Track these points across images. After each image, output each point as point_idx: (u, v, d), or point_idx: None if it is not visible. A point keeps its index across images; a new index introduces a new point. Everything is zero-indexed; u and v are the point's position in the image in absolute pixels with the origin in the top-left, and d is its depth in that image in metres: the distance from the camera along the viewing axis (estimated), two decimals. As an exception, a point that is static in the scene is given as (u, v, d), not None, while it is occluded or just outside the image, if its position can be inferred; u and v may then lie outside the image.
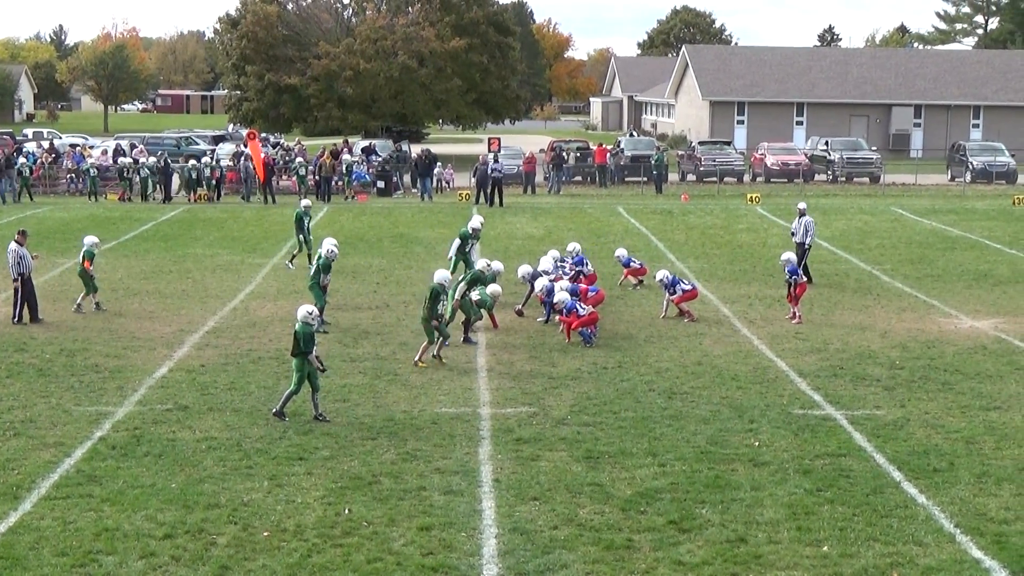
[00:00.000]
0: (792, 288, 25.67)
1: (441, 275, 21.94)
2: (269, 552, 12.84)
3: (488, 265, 24.58)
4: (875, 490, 14.87)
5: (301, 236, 32.02)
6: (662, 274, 26.14)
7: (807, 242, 30.26)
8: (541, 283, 24.96)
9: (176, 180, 52.51)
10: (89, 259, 26.27)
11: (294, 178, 53.01)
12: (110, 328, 24.44)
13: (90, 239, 26.90)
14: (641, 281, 29.49)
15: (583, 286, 25.46)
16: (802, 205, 31.37)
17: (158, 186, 51.21)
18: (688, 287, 25.97)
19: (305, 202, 33.72)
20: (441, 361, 21.52)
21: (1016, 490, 14.93)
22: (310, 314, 18.02)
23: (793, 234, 30.68)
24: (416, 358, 21.44)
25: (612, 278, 29.65)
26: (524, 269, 26.75)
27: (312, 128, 74.95)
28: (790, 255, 26.32)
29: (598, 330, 23.55)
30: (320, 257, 24.90)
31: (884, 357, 22.20)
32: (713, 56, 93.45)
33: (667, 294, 25.79)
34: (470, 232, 28.84)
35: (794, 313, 25.62)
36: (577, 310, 23.30)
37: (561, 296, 23.73)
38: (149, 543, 13.03)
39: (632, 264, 29.69)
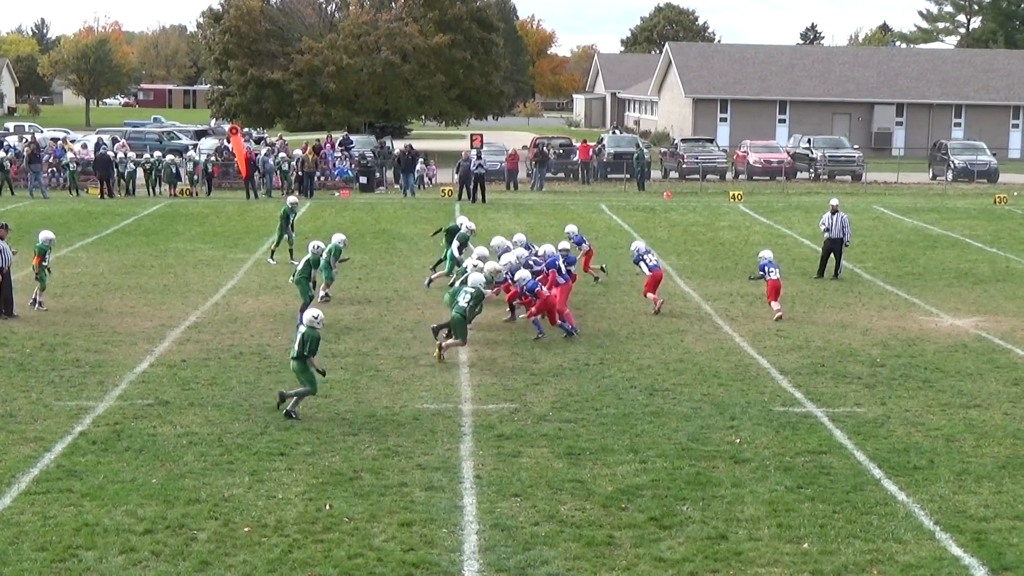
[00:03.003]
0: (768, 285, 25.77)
1: (476, 279, 22.04)
2: (250, 547, 12.82)
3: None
4: (855, 487, 14.91)
5: (287, 233, 32.16)
6: (636, 244, 26.85)
7: (846, 238, 30.68)
8: (522, 275, 24.35)
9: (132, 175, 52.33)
10: (40, 255, 25.67)
11: (276, 173, 52.92)
12: (91, 323, 24.36)
13: (45, 235, 26.41)
14: (604, 269, 29.62)
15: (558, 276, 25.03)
16: (835, 201, 31.57)
17: (103, 182, 50.76)
18: (652, 265, 26.01)
19: (292, 199, 33.85)
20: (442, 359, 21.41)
21: (995, 488, 14.98)
22: (315, 318, 17.96)
23: (826, 230, 30.67)
24: (441, 349, 21.38)
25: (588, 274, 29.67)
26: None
27: (295, 123, 74.88)
28: (767, 253, 26.40)
29: (578, 326, 23.58)
30: (311, 254, 25.06)
31: (865, 355, 22.26)
32: (696, 53, 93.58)
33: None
34: (468, 234, 28.66)
35: (776, 310, 25.66)
36: (541, 289, 23.26)
37: (522, 274, 23.46)
38: (129, 538, 12.99)
39: (584, 245, 29.56)
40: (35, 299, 25.73)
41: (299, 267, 25.12)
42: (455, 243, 28.28)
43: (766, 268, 25.81)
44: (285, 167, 52.19)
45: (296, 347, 17.81)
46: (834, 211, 30.64)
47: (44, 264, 25.79)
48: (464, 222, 29.35)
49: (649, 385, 19.84)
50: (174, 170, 51.77)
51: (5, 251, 24.82)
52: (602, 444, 16.57)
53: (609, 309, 26.45)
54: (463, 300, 21.43)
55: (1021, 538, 13.30)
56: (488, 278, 22.86)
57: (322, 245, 25.61)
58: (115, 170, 51.41)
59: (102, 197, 49.90)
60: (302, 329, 17.84)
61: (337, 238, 27.24)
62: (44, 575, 12.10)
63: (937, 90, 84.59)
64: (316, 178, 52.94)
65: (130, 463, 15.55)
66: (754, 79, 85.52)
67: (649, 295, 25.97)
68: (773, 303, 25.69)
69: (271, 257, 32.42)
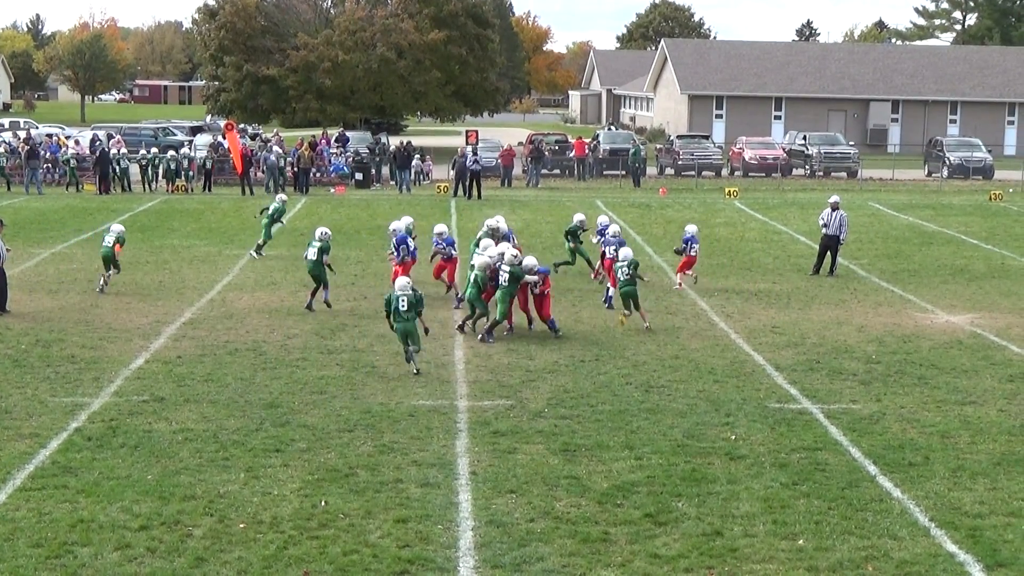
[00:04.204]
0: (682, 256, 28.08)
1: (627, 253, 24.31)
2: (245, 544, 12.82)
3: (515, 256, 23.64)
4: (851, 484, 14.92)
5: (274, 227, 32.75)
6: (605, 221, 29.39)
7: (842, 236, 30.69)
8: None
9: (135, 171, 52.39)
10: (121, 243, 27.71)
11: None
12: (86, 319, 24.35)
13: (118, 227, 28.28)
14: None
15: None
16: (835, 198, 31.52)
17: (102, 178, 50.73)
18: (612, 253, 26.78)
19: (282, 196, 34.21)
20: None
21: (990, 484, 15.00)
22: (408, 283, 20.25)
23: (825, 226, 30.72)
24: (646, 324, 23.84)
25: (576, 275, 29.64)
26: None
27: (290, 120, 74.75)
28: (692, 227, 28.39)
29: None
30: (321, 241, 25.42)
31: (860, 352, 22.28)
32: (692, 50, 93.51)
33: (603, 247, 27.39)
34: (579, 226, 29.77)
35: (678, 281, 28.28)
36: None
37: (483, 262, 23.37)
38: (124, 535, 12.99)
39: (452, 250, 28.11)
40: (104, 282, 27.38)
41: (311, 257, 25.21)
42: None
43: (688, 243, 27.87)
44: (282, 163, 52.12)
45: (404, 311, 19.90)
46: (834, 208, 30.65)
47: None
48: (577, 217, 30.33)
49: (644, 382, 19.85)
50: (172, 166, 51.75)
51: (0, 247, 24.83)
52: (597, 440, 16.58)
53: (605, 305, 26.43)
54: (623, 275, 23.86)
55: (1016, 535, 13.32)
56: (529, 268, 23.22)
57: (329, 232, 26.13)
58: (116, 166, 51.37)
59: (100, 193, 49.88)
60: (404, 295, 19.98)
61: (406, 220, 28.30)
62: (39, 571, 12.10)
63: (933, 87, 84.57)
64: (312, 174, 52.88)
65: (125, 459, 15.54)
66: (750, 76, 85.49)
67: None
68: (680, 275, 28.44)
69: (256, 251, 32.74)
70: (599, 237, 28.24)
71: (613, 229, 27.70)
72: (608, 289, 26.12)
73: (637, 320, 24.85)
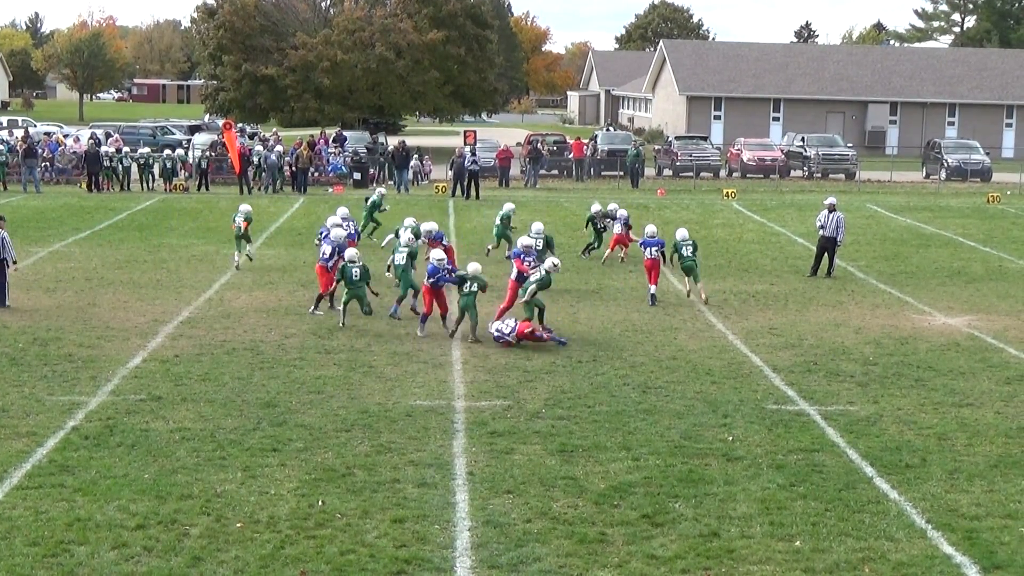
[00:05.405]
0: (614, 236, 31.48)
1: (683, 232, 27.27)
2: (242, 543, 12.81)
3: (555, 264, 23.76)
4: (847, 485, 14.92)
5: (372, 219, 34.99)
6: (618, 211, 32.50)
7: (839, 238, 30.71)
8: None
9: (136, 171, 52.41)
10: (248, 221, 29.89)
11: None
12: (84, 318, 24.33)
13: (245, 206, 30.66)
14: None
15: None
16: (832, 200, 31.50)
17: (94, 177, 50.77)
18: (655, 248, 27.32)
19: (381, 190, 36.73)
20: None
21: (987, 486, 15.00)
22: (359, 255, 23.55)
23: (821, 227, 30.81)
24: (704, 298, 26.73)
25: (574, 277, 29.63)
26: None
27: (289, 119, 74.77)
28: (613, 208, 32.30)
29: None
30: (405, 244, 25.40)
31: (858, 353, 22.28)
32: (690, 51, 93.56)
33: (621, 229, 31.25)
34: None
35: (602, 256, 31.72)
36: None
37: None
38: (121, 534, 12.97)
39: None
40: (248, 257, 30.59)
41: (400, 262, 24.97)
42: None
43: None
44: (280, 163, 52.13)
45: (356, 280, 23.35)
46: (831, 209, 30.68)
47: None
48: (595, 208, 33.42)
49: (642, 383, 19.84)
50: (168, 165, 51.71)
51: (5, 240, 24.98)
52: (595, 441, 16.57)
53: (602, 306, 26.46)
54: (686, 251, 26.77)
55: (1012, 536, 13.32)
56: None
57: (391, 236, 27.18)
58: (119, 165, 51.34)
59: (90, 191, 49.87)
60: (356, 265, 23.36)
61: (508, 207, 30.68)
62: (36, 570, 12.08)
63: (931, 89, 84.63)
64: (310, 174, 52.87)
65: (122, 458, 15.53)
66: (748, 77, 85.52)
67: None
68: (613, 252, 31.91)
69: (370, 235, 34.53)
70: (612, 221, 32.60)
71: (650, 230, 27.78)
72: (651, 288, 26.91)
73: (636, 320, 24.88)
